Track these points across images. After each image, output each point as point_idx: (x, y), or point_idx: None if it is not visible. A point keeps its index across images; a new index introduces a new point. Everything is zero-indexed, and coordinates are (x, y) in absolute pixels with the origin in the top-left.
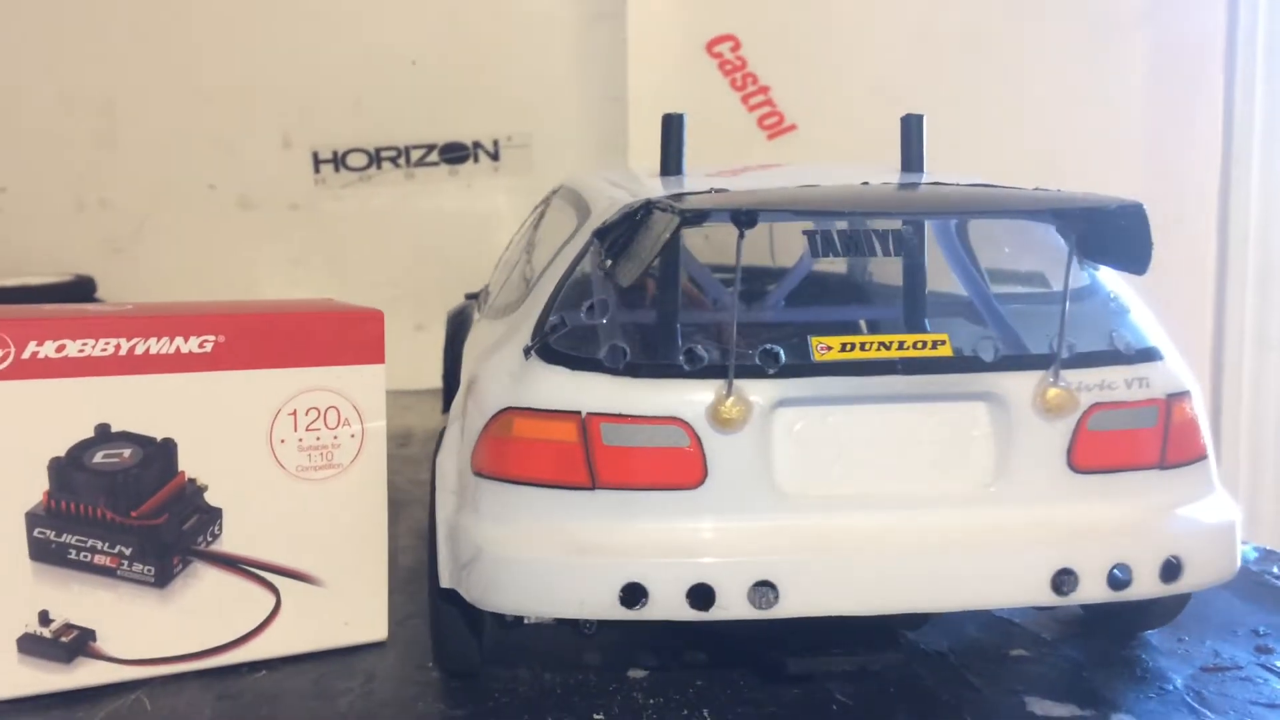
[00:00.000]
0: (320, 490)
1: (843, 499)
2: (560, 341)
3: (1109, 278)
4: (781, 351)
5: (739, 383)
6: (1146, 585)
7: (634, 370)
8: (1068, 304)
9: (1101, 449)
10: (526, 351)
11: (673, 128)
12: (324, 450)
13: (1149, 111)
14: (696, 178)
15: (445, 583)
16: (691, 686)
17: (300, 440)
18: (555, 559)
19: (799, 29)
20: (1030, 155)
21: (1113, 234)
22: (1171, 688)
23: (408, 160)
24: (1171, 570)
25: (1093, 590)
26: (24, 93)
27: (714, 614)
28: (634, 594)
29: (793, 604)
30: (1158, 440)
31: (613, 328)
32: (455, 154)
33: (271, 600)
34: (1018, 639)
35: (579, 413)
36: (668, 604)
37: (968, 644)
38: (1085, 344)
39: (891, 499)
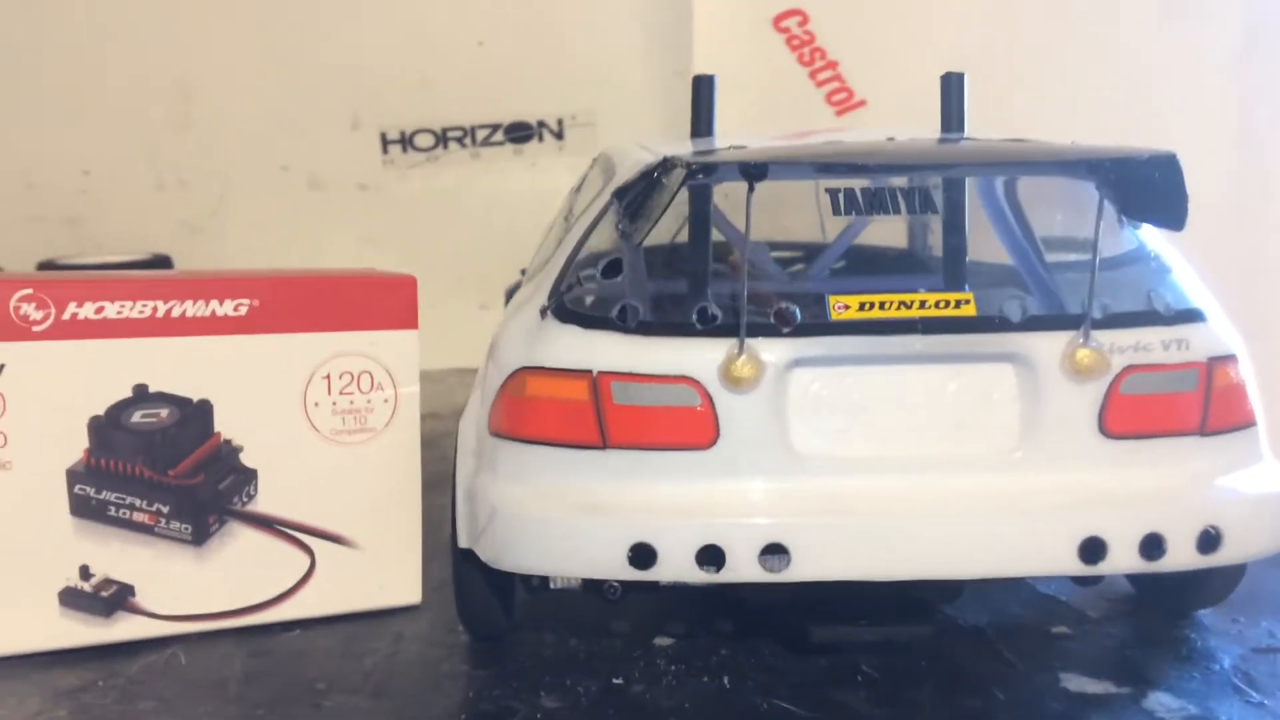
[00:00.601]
0: (354, 454)
1: (860, 462)
2: (575, 301)
3: (1153, 238)
4: (797, 310)
5: (753, 342)
6: (1182, 556)
7: (646, 329)
8: (1098, 262)
9: (1135, 413)
10: (543, 312)
11: (703, 90)
12: (358, 414)
13: (1242, 84)
14: (737, 139)
15: (463, 543)
16: (716, 655)
17: (334, 404)
18: (566, 518)
19: (869, 2)
20: (1115, 130)
21: (1147, 187)
22: (1218, 668)
23: (473, 140)
24: (1210, 541)
25: (1124, 560)
26: (107, 79)
27: (724, 576)
28: (643, 555)
29: (804, 568)
30: (1198, 405)
31: (627, 287)
32: (520, 133)
33: (306, 561)
34: (1061, 616)
35: (590, 371)
36: (677, 565)
37: (1008, 620)
38: (1121, 304)
39: (911, 462)
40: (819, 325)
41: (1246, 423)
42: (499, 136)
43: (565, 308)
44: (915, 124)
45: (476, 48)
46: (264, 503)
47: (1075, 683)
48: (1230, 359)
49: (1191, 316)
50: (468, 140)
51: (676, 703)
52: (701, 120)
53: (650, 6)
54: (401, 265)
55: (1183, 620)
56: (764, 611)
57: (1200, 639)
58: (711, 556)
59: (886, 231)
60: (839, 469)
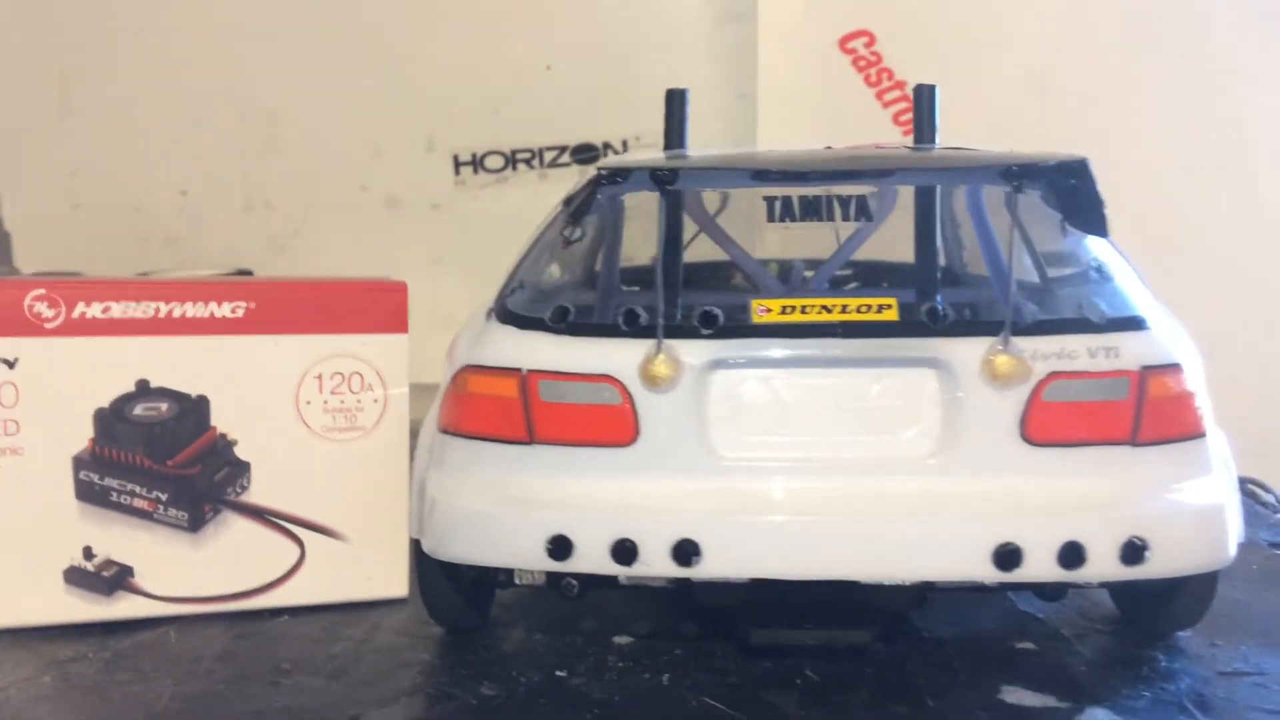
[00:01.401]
0: (344, 451)
1: (777, 463)
2: (516, 303)
3: (1098, 246)
4: (720, 313)
5: (674, 343)
6: (1104, 567)
7: (574, 330)
8: (1013, 268)
9: (1059, 421)
10: (488, 314)
11: (674, 104)
12: (348, 413)
13: None
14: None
15: (413, 533)
16: (669, 654)
17: (325, 402)
18: (493, 510)
19: (939, 22)
20: (1198, 148)
21: (1065, 194)
22: (1173, 689)
23: (541, 161)
24: (1134, 553)
25: (1041, 568)
26: (204, 106)
27: (636, 570)
28: (561, 546)
29: (714, 565)
30: (1128, 414)
31: (563, 290)
32: (587, 155)
33: (296, 551)
34: (1030, 632)
35: (520, 370)
36: (592, 558)
37: (973, 633)
38: (1052, 311)
39: (828, 465)
40: (740, 328)
41: (1188, 434)
42: (565, 158)
43: (506, 310)
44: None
45: (545, 72)
46: (257, 494)
47: (1014, 695)
48: (1171, 369)
49: (1127, 325)
50: (535, 162)
51: (609, 696)
52: (673, 133)
53: (716, 30)
54: (471, 283)
55: (1160, 641)
56: (720, 613)
57: (1168, 660)
58: (625, 551)
59: (828, 240)
60: (755, 470)
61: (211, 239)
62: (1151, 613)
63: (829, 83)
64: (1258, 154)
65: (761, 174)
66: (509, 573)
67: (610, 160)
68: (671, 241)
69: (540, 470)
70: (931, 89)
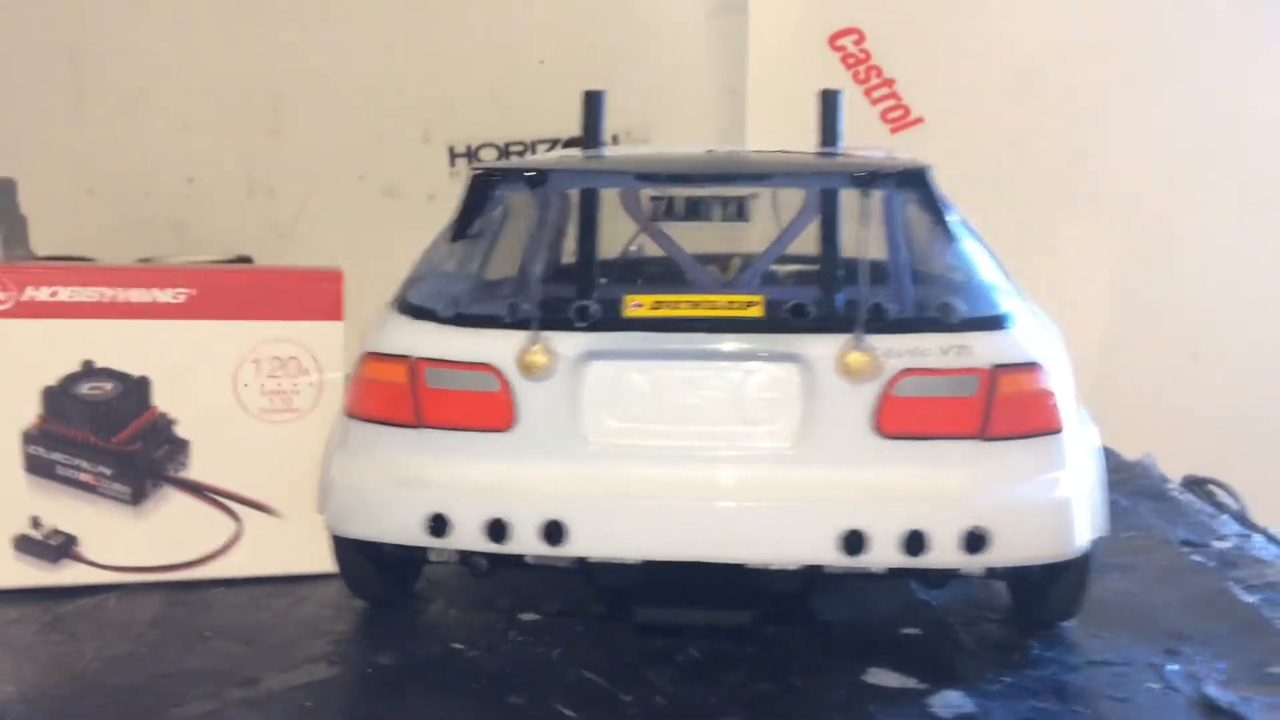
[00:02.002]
0: (280, 431)
1: (647, 450)
2: (414, 295)
3: (968, 248)
4: (596, 307)
5: (551, 335)
6: (946, 554)
7: (459, 321)
8: (867, 268)
9: (909, 415)
10: (390, 304)
11: (591, 105)
12: (284, 395)
13: None
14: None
15: (318, 510)
16: (570, 632)
17: (263, 385)
18: (381, 489)
19: (930, 20)
20: (1191, 148)
21: (916, 199)
22: (1035, 674)
23: (534, 153)
24: (976, 541)
25: (885, 554)
26: (210, 94)
27: (508, 547)
28: (439, 524)
29: (579, 545)
30: (978, 410)
31: (456, 283)
32: (578, 147)
33: (233, 526)
34: (920, 620)
35: (409, 357)
36: (467, 535)
37: (864, 619)
38: (909, 310)
39: (692, 453)
40: (613, 321)
41: (1041, 430)
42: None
43: (404, 301)
44: (1001, 153)
45: (538, 66)
46: (196, 471)
47: (877, 676)
48: (1025, 368)
49: (981, 325)
50: (529, 153)
51: (498, 668)
52: (590, 133)
53: (706, 26)
54: None
55: (1043, 630)
56: (617, 593)
57: (1042, 648)
58: (497, 530)
59: (721, 238)
60: (624, 456)
61: (216, 225)
62: (1031, 603)
63: (818, 79)
64: (1252, 154)
65: (625, 177)
66: (423, 550)
67: (486, 163)
68: (548, 238)
69: (425, 452)
70: (836, 94)
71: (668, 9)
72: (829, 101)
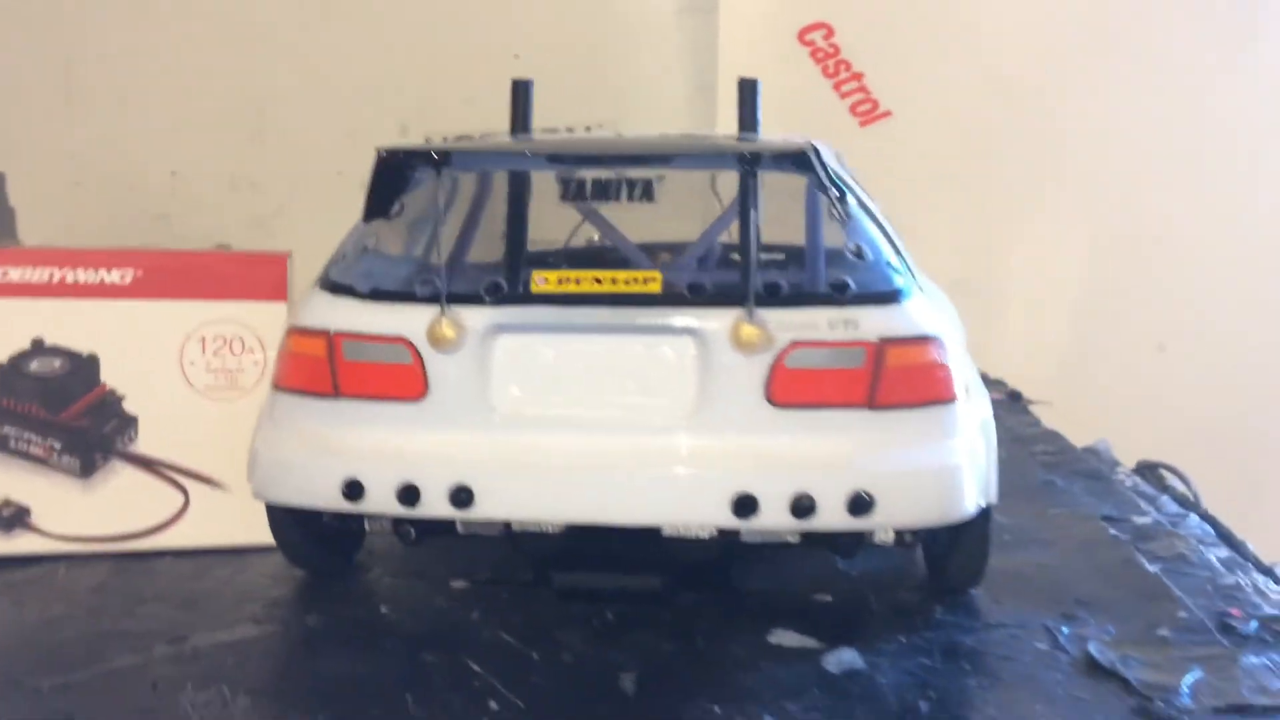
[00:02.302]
0: (225, 408)
1: (551, 419)
2: (335, 272)
3: (865, 224)
4: (503, 283)
5: (460, 309)
6: (832, 517)
7: (375, 295)
8: (756, 245)
9: (799, 385)
10: (315, 281)
11: (519, 93)
12: (229, 373)
13: None
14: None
15: (247, 479)
16: (495, 597)
17: (208, 363)
18: (300, 457)
19: (896, 15)
20: (1160, 149)
21: (808, 179)
22: (931, 635)
23: None
24: (860, 504)
25: (774, 517)
26: (195, 94)
27: (420, 511)
28: (354, 489)
29: (486, 508)
30: (865, 381)
31: (377, 261)
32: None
33: (181, 499)
34: (835, 588)
35: (327, 331)
36: (381, 500)
37: (781, 586)
38: (801, 286)
39: (595, 421)
40: (519, 296)
41: (930, 400)
42: None
43: (327, 278)
44: (969, 146)
45: (512, 61)
46: (144, 445)
47: (779, 637)
48: (914, 341)
49: (871, 300)
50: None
51: (416, 628)
52: (517, 120)
53: (678, 21)
54: None
55: (951, 597)
56: (541, 560)
57: (944, 613)
58: (409, 494)
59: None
60: (529, 424)
61: (199, 217)
62: (937, 571)
63: (788, 73)
64: (1219, 155)
65: (527, 158)
66: (359, 520)
67: (391, 144)
68: (465, 217)
69: (342, 421)
70: (754, 83)
71: (640, 8)
72: (747, 90)
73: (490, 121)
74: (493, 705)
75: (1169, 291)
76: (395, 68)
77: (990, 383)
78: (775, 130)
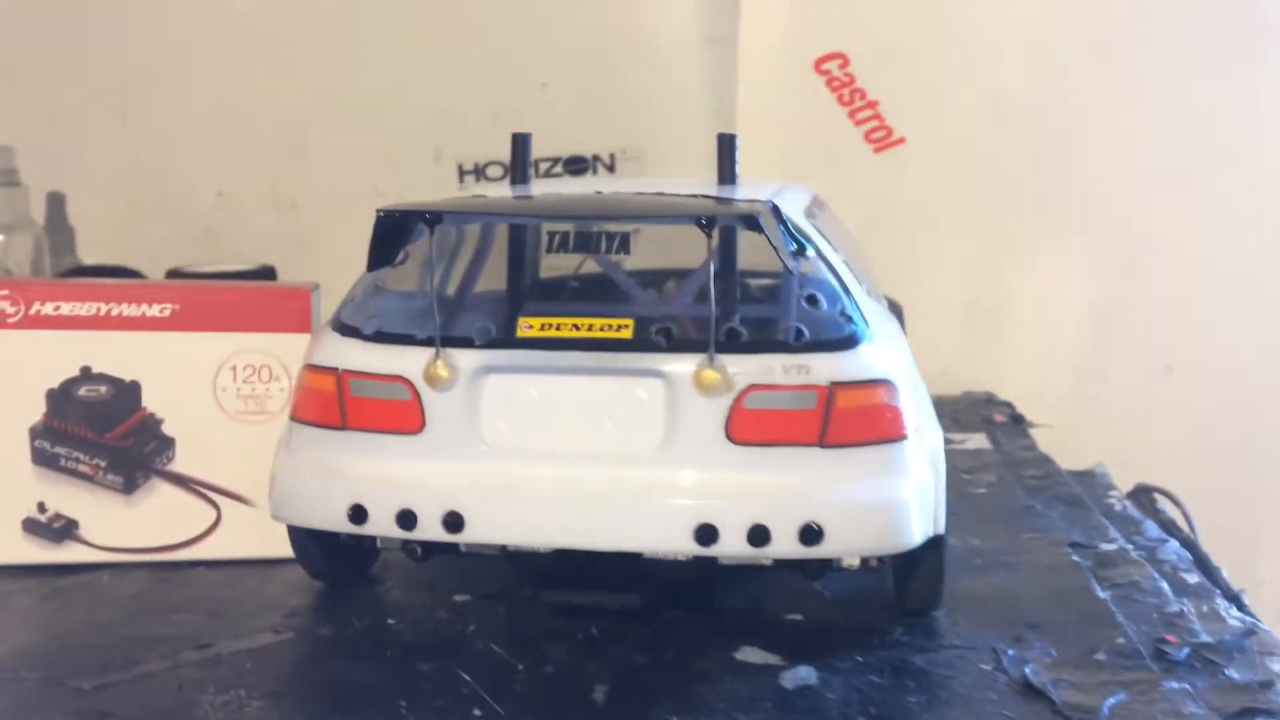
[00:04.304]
0: (254, 430)
1: (532, 452)
2: (346, 315)
3: (822, 275)
4: (492, 327)
5: (453, 351)
6: (785, 545)
7: (379, 338)
8: (722, 297)
9: (756, 425)
10: (329, 322)
11: (517, 146)
12: (258, 399)
13: None
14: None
15: (267, 500)
16: (491, 612)
17: (238, 390)
18: (312, 482)
19: (909, 45)
20: (1166, 172)
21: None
22: (886, 655)
23: (536, 171)
24: (811, 535)
25: (733, 545)
26: (240, 117)
27: (417, 534)
28: (359, 513)
29: (475, 533)
30: (816, 421)
31: (382, 305)
32: (577, 165)
33: (214, 514)
34: (806, 608)
35: (337, 369)
36: (382, 523)
37: (756, 606)
38: (759, 334)
39: (573, 455)
40: (506, 340)
41: (880, 439)
42: (558, 169)
43: (338, 320)
44: (980, 170)
45: (540, 90)
46: (180, 464)
47: (745, 654)
48: (863, 385)
49: (822, 346)
50: (531, 171)
51: (416, 638)
52: (517, 171)
53: (699, 52)
54: None
55: (913, 619)
56: (533, 577)
57: (904, 633)
58: (407, 519)
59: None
60: (514, 456)
61: (244, 236)
62: (899, 594)
63: (804, 102)
64: (1227, 178)
65: (512, 216)
66: (371, 538)
67: (389, 205)
68: (461, 265)
69: (348, 451)
70: (732, 138)
71: (664, 38)
72: (725, 145)
73: None
74: (476, 712)
75: (1176, 313)
76: (429, 93)
77: (996, 404)
78: (788, 152)
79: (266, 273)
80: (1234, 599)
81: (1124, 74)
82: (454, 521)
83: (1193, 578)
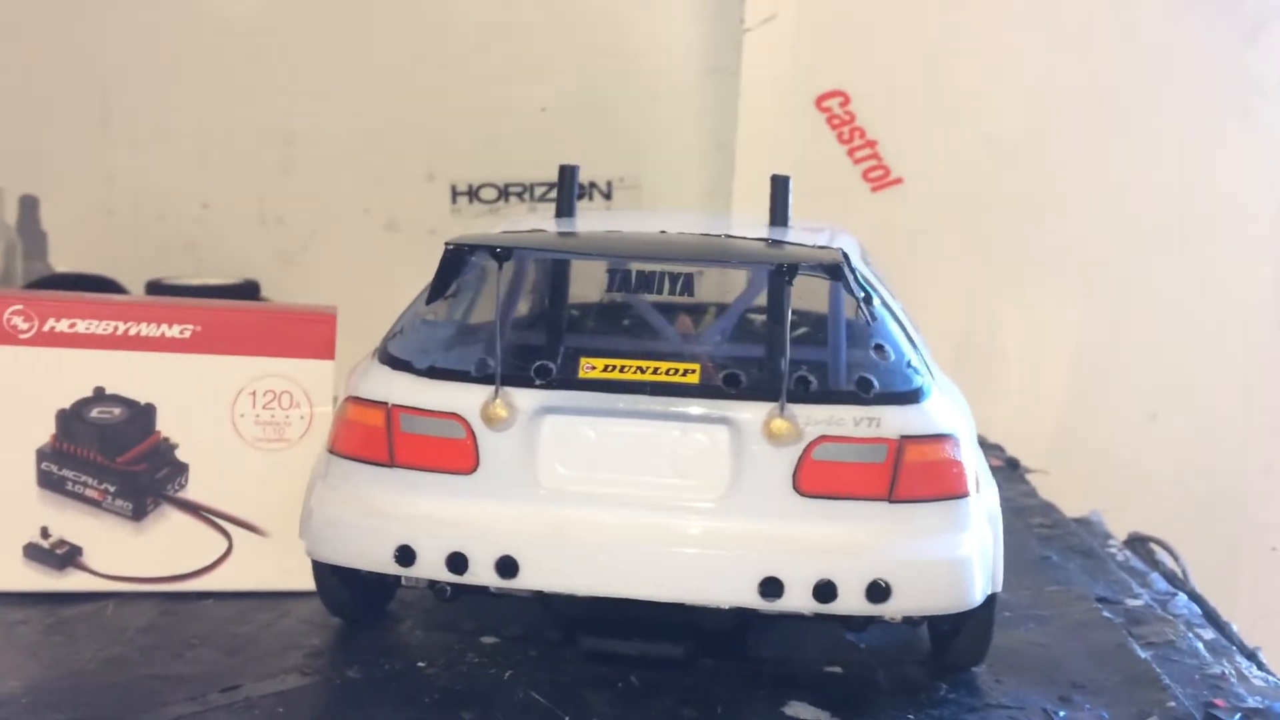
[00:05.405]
0: (271, 458)
1: (591, 496)
2: (394, 347)
3: (890, 325)
4: (553, 367)
5: (512, 390)
6: (852, 602)
7: (432, 373)
8: (789, 345)
9: (824, 477)
10: (373, 354)
11: (565, 178)
12: (277, 426)
13: None
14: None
15: (300, 536)
16: (524, 656)
17: (257, 416)
18: (356, 520)
19: (909, 85)
20: (1156, 220)
21: (838, 282)
22: (935, 713)
23: (532, 195)
24: (879, 592)
25: (798, 600)
26: (227, 129)
27: (467, 579)
28: (406, 554)
29: (530, 579)
30: (885, 475)
31: (433, 338)
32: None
33: (225, 544)
34: (845, 660)
35: (386, 403)
36: (431, 566)
37: (795, 657)
38: (830, 384)
39: (633, 500)
40: (568, 380)
41: (945, 495)
42: (554, 194)
43: (385, 352)
44: (976, 210)
45: (539, 113)
46: (193, 492)
47: (795, 709)
48: (931, 439)
49: (893, 399)
50: (527, 195)
51: (451, 685)
52: (563, 203)
53: (700, 83)
54: None
55: (954, 675)
56: (568, 622)
57: (948, 690)
58: (457, 562)
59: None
60: (572, 500)
61: (227, 249)
62: (942, 649)
63: (803, 137)
64: (1216, 226)
65: (584, 255)
66: (397, 577)
67: (458, 236)
68: (518, 301)
69: (397, 489)
70: (785, 180)
71: (664, 67)
72: (779, 187)
73: (511, 165)
74: None
75: (1162, 360)
76: (425, 113)
77: (988, 447)
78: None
79: (250, 287)
80: (1251, 657)
81: (1119, 123)
82: (508, 566)
83: (1207, 634)
